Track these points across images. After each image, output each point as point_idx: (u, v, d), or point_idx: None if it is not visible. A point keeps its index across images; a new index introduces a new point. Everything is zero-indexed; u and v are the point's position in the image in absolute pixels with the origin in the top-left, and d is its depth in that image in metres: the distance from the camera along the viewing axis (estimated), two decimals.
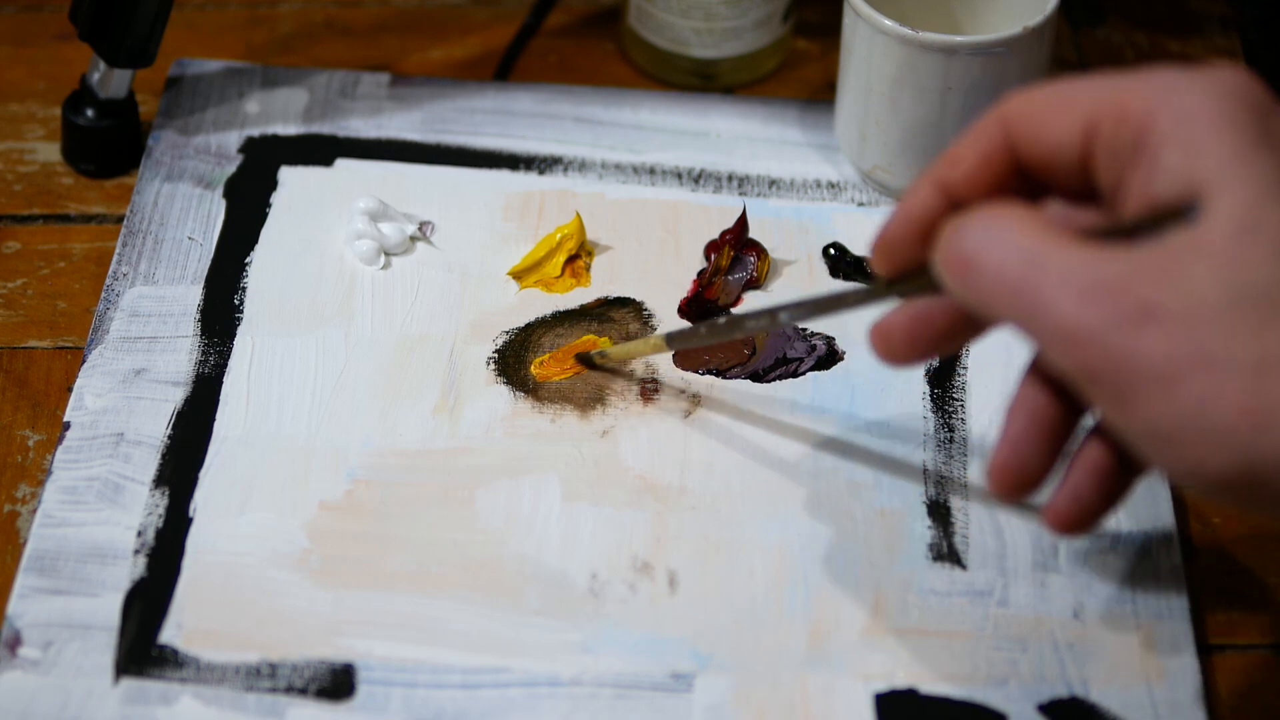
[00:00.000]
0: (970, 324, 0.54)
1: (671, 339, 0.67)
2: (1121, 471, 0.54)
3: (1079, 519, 0.54)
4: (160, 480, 0.67)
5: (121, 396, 0.69)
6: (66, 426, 0.68)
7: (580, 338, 0.72)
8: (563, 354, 0.71)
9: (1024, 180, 0.53)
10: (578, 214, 0.75)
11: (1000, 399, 0.70)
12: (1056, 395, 0.54)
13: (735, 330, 0.66)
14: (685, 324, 0.72)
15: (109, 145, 0.79)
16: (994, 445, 0.54)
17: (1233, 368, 0.46)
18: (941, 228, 0.52)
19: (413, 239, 0.76)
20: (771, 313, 0.62)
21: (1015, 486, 0.54)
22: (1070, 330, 0.47)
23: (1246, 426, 0.46)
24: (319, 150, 0.79)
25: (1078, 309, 0.47)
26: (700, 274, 0.74)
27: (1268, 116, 0.49)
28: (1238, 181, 0.47)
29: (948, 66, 0.72)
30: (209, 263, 0.74)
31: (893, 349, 0.55)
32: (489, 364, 0.71)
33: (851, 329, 0.72)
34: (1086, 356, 0.47)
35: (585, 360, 0.70)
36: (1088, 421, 0.54)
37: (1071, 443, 0.54)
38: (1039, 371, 0.54)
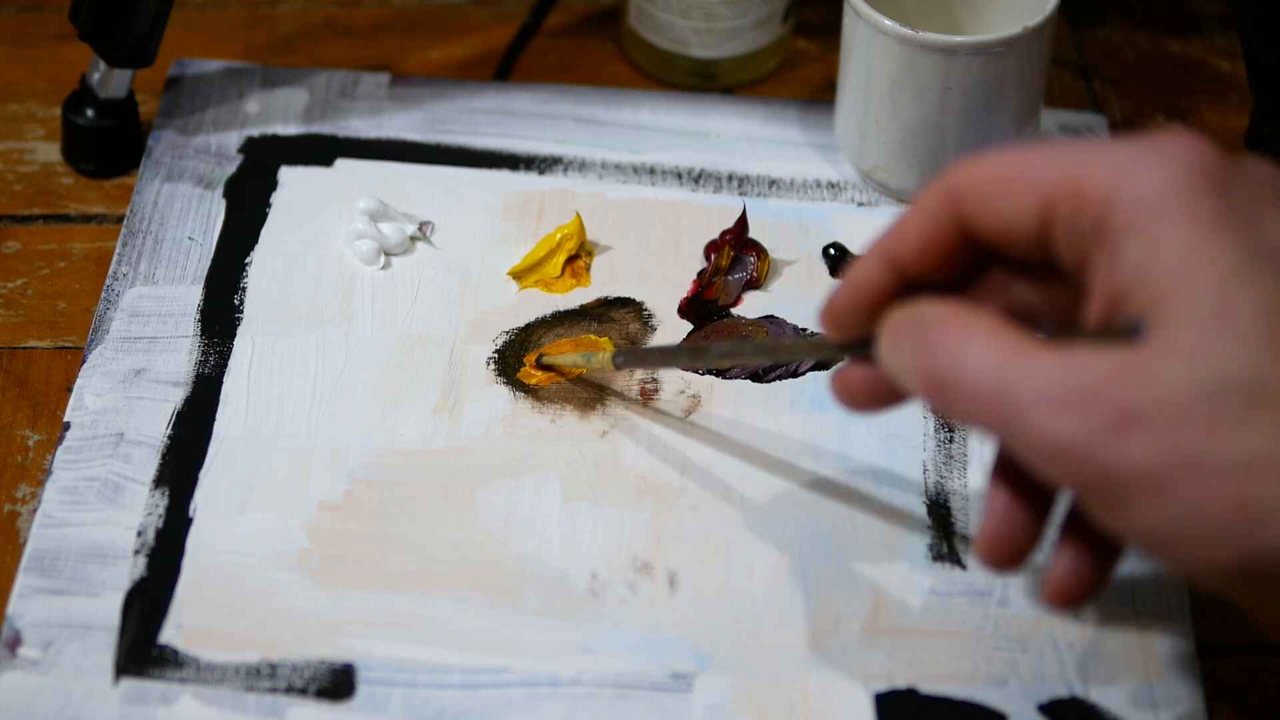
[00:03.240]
0: None
1: (619, 359, 0.67)
2: (1112, 539, 0.53)
3: (1080, 592, 0.53)
4: (160, 480, 0.67)
5: (121, 396, 0.69)
6: (66, 426, 0.68)
7: (580, 337, 0.72)
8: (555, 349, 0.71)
9: (974, 253, 0.52)
10: (578, 214, 0.75)
11: None
12: (1027, 493, 0.53)
13: (686, 357, 0.66)
14: (645, 344, 0.72)
15: (109, 145, 0.79)
16: (981, 516, 0.54)
17: (1219, 467, 0.45)
18: (894, 331, 0.51)
19: (413, 239, 0.76)
20: (728, 350, 0.62)
21: (1007, 557, 0.53)
22: (1052, 444, 0.46)
23: (1241, 524, 0.45)
24: (319, 150, 0.79)
25: (1057, 422, 0.46)
26: (700, 274, 0.74)
27: (1228, 187, 0.48)
28: (1200, 271, 0.46)
29: (948, 66, 0.72)
30: (209, 263, 0.74)
31: (854, 399, 0.55)
32: (489, 364, 0.71)
33: None
34: (1072, 468, 0.47)
35: (537, 362, 0.70)
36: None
37: (1057, 505, 0.53)
38: (1004, 477, 0.53)
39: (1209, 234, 0.46)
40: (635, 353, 0.70)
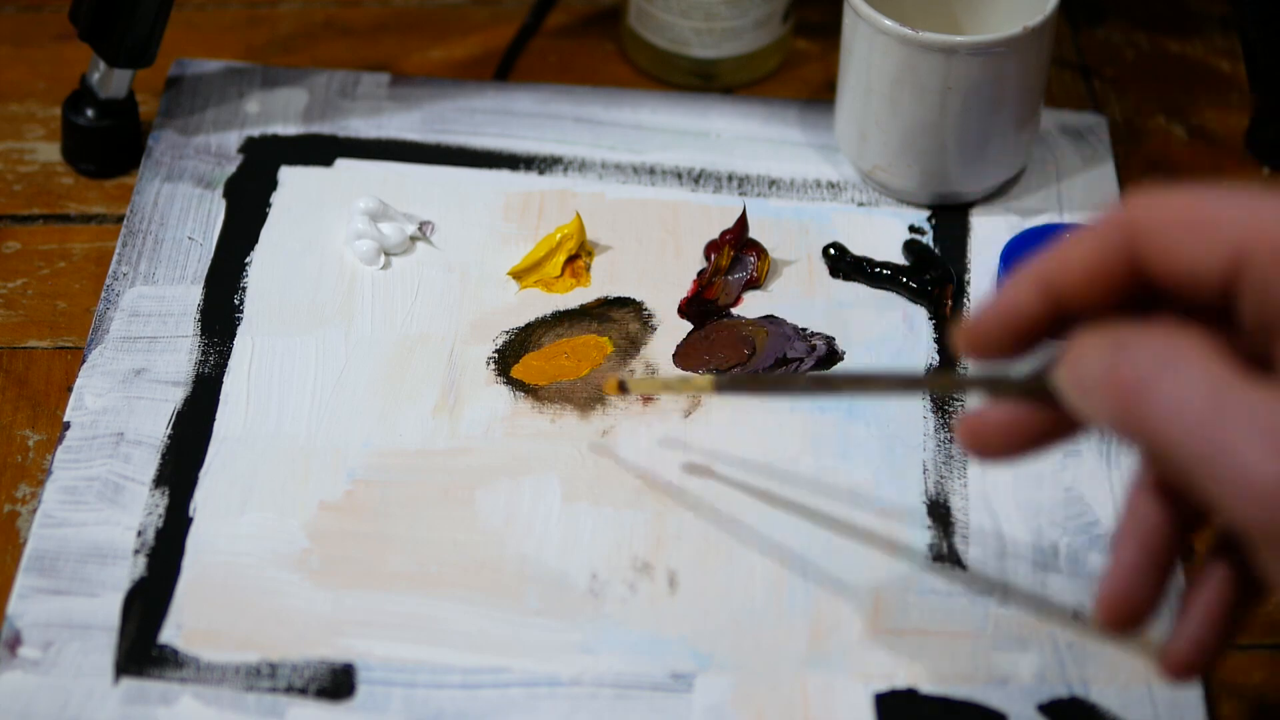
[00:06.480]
0: (1072, 429, 0.50)
1: (721, 384, 0.64)
2: (1239, 608, 0.50)
3: (1201, 664, 0.51)
4: (160, 480, 0.67)
5: (121, 396, 0.69)
6: (66, 426, 0.68)
7: (580, 337, 0.72)
8: (546, 353, 0.71)
9: (1142, 289, 0.49)
10: (578, 214, 0.75)
11: None
12: (1169, 516, 0.50)
13: (793, 388, 0.64)
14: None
15: (109, 145, 0.79)
16: (1103, 574, 0.50)
17: None
18: (1082, 347, 0.48)
19: (413, 239, 0.76)
20: (857, 379, 0.59)
21: (1129, 620, 0.50)
22: (1257, 484, 0.43)
23: None
24: (319, 150, 0.79)
25: (1268, 460, 0.43)
26: (700, 274, 0.74)
27: None
28: None
29: (948, 66, 0.72)
30: (209, 263, 0.74)
31: (986, 447, 0.52)
32: (489, 364, 0.71)
33: (852, 330, 0.72)
34: (1271, 513, 0.43)
35: (621, 388, 0.67)
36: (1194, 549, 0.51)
37: (1176, 564, 0.51)
38: (1150, 490, 0.50)
39: None
40: (738, 379, 0.66)
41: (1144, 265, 0.48)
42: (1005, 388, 0.51)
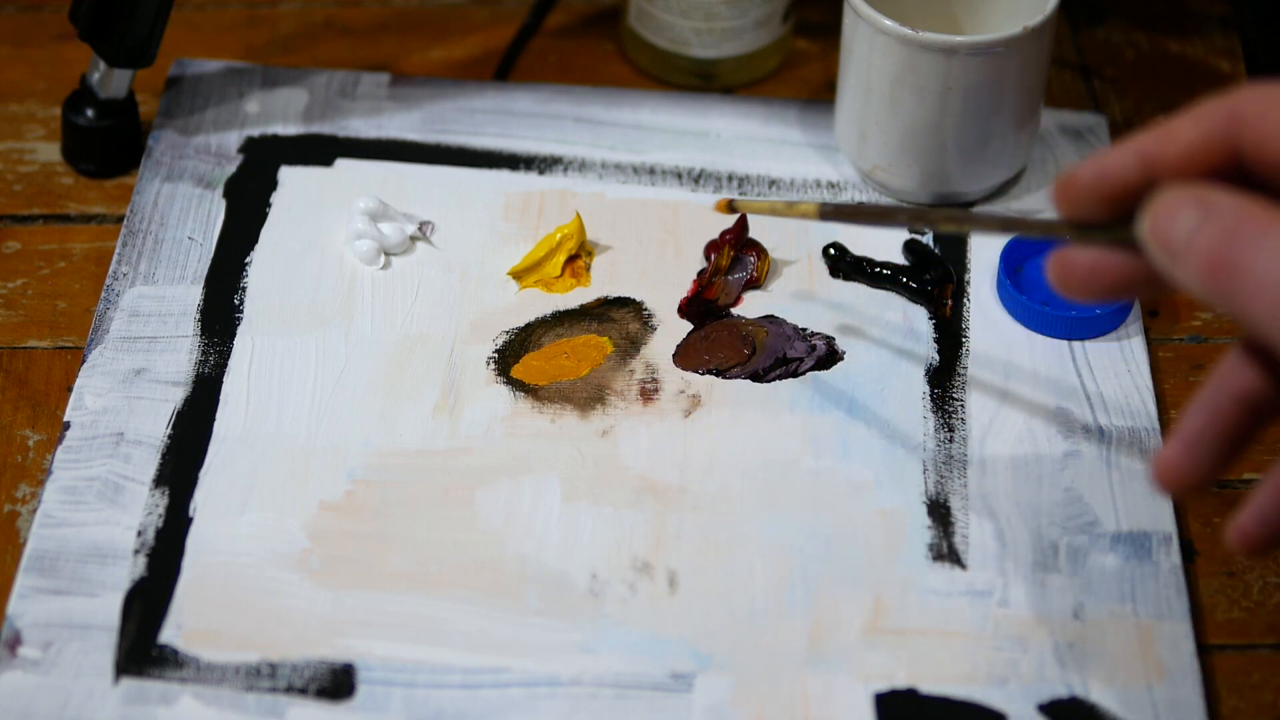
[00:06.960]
0: (1158, 283, 0.52)
1: (826, 210, 0.64)
2: None
3: (1266, 543, 0.52)
4: (160, 480, 0.67)
5: (121, 396, 0.69)
6: (66, 426, 0.68)
7: (580, 338, 0.72)
8: (546, 353, 0.71)
9: (1237, 177, 0.51)
10: (578, 214, 0.75)
11: (1000, 399, 0.70)
12: (1245, 400, 0.51)
13: (894, 220, 0.64)
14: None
15: (109, 145, 0.79)
16: (1169, 436, 0.52)
17: None
18: (1167, 204, 0.49)
19: (413, 239, 0.76)
20: (956, 217, 0.61)
21: (1179, 484, 0.52)
22: None
23: None
24: (319, 150, 0.79)
25: None
26: (700, 274, 0.74)
27: None
28: None
29: (948, 66, 0.72)
30: (209, 263, 0.74)
31: (1069, 284, 0.54)
32: (489, 364, 0.71)
33: (852, 330, 0.72)
34: None
35: (730, 207, 0.67)
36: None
37: (1243, 449, 0.52)
38: (1240, 355, 0.51)
39: None
40: (846, 207, 0.66)
41: (1242, 151, 0.50)
42: (1093, 235, 0.53)
